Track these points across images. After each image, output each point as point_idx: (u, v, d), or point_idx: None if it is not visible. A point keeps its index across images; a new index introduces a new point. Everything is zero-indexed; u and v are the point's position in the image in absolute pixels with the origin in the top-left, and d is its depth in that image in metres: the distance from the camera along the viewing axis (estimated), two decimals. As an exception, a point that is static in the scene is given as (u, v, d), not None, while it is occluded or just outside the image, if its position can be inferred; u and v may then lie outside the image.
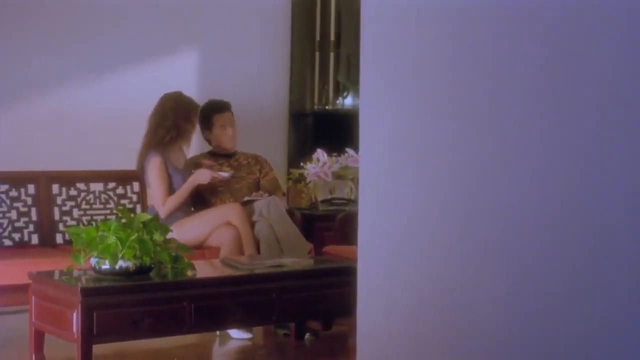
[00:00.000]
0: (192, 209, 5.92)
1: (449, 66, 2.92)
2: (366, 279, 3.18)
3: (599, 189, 2.51)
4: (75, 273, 4.58)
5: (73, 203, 5.90)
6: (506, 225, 2.77)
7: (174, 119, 5.75)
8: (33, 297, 4.56)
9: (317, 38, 7.27)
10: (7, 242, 5.66)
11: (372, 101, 3.16)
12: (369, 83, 3.17)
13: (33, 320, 4.57)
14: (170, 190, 5.75)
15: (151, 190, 5.78)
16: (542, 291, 2.68)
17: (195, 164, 5.99)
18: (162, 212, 5.62)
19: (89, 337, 4.27)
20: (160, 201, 5.70)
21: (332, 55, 7.28)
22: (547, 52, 2.61)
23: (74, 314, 4.26)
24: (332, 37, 7.27)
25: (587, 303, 2.56)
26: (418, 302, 3.03)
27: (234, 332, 5.28)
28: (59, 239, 5.79)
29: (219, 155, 6.11)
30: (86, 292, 4.28)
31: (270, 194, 6.04)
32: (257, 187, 6.14)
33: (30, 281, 4.62)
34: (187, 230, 5.58)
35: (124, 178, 6.06)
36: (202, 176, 5.75)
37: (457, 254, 2.91)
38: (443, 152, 2.94)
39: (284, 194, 6.34)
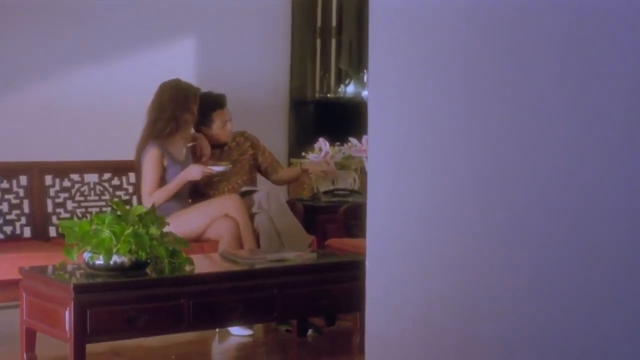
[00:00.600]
0: (190, 200, 5.76)
1: (465, 54, 2.80)
2: (375, 278, 3.06)
3: (620, 188, 2.40)
4: (68, 269, 4.45)
5: (67, 195, 5.76)
6: (524, 224, 2.66)
7: (172, 109, 5.61)
8: (24, 294, 4.43)
9: (318, 24, 7.20)
10: (-2, 236, 5.54)
11: (381, 89, 3.05)
12: (378, 70, 3.05)
13: (24, 317, 4.44)
14: (163, 183, 5.58)
15: (142, 180, 5.61)
16: (562, 293, 2.57)
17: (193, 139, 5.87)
18: (147, 203, 5.45)
19: (82, 336, 4.14)
20: (147, 191, 5.55)
21: (333, 41, 7.22)
22: (567, 47, 2.49)
23: (66, 312, 4.13)
24: (334, 23, 7.21)
25: (610, 305, 2.44)
26: (430, 302, 2.92)
27: (234, 329, 5.18)
28: (52, 232, 5.67)
29: (212, 147, 5.96)
30: (79, 289, 4.14)
31: (274, 173, 5.99)
32: (254, 165, 5.98)
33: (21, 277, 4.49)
34: (184, 223, 5.44)
35: (119, 169, 5.93)
36: (193, 172, 5.58)
37: (472, 252, 2.80)
38: (457, 144, 2.82)
39: (282, 167, 6.20)
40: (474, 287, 2.77)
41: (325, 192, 6.28)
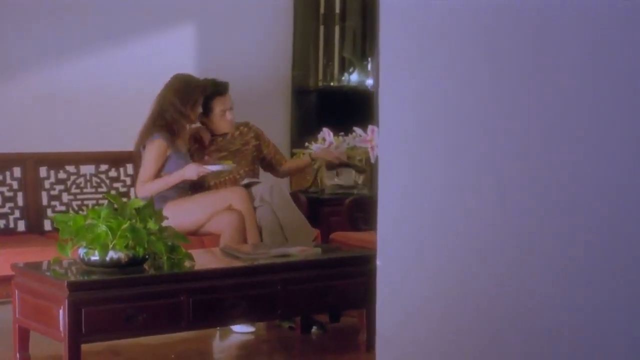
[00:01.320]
0: (189, 192, 5.59)
1: (488, 37, 2.65)
2: (387, 277, 2.91)
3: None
4: (63, 265, 4.32)
5: (62, 187, 5.63)
6: (547, 221, 2.52)
7: (171, 114, 5.44)
8: (17, 291, 4.31)
9: (322, 11, 7.06)
10: (-8, 229, 5.43)
11: (394, 73, 2.90)
12: (390, 51, 2.89)
13: (17, 316, 4.32)
14: (159, 175, 5.43)
15: (141, 167, 5.43)
16: (585, 292, 2.44)
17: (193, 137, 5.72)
18: (139, 191, 5.31)
19: (76, 336, 4.01)
20: (142, 179, 5.38)
21: (337, 29, 7.08)
22: (597, 41, 2.36)
23: (60, 311, 4.00)
24: (338, 10, 7.07)
25: (636, 307, 2.30)
26: (445, 302, 2.79)
27: (236, 326, 5.03)
28: (47, 225, 5.54)
29: (213, 135, 5.80)
30: (73, 287, 4.01)
31: (279, 165, 5.87)
32: (257, 157, 5.82)
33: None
34: (182, 214, 5.27)
35: (116, 160, 5.80)
36: (188, 171, 5.38)
37: (491, 250, 2.66)
38: (477, 134, 2.68)
39: (286, 160, 6.02)
40: (493, 287, 2.64)
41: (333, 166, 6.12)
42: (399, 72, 2.85)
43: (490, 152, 2.61)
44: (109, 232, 4.06)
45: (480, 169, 2.64)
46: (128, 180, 5.79)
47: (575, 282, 2.42)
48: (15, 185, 5.49)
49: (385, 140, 2.90)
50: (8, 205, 5.46)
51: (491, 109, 2.61)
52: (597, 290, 2.37)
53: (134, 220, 4.12)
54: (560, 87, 2.45)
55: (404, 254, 2.83)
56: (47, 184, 5.58)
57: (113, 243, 4.08)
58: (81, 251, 4.13)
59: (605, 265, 2.35)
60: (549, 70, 2.46)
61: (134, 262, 4.15)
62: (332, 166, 6.02)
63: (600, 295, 2.36)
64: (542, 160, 2.48)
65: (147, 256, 4.20)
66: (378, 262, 2.88)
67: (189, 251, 4.37)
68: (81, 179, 5.66)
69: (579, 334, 2.42)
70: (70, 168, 5.64)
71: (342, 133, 6.22)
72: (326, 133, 6.09)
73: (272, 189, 5.40)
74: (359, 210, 5.66)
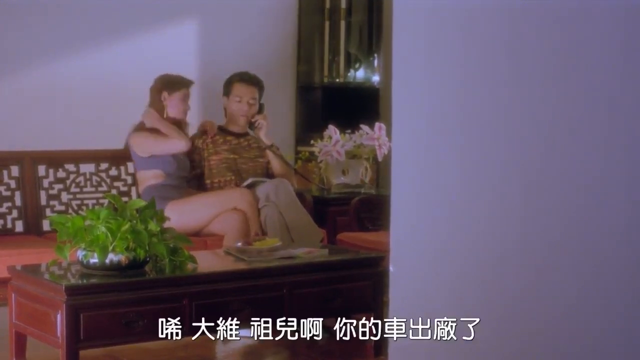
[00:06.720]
0: (193, 191, 5.53)
1: (502, 25, 2.53)
2: (401, 285, 2.82)
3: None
4: (61, 268, 4.22)
5: (61, 186, 5.54)
6: (580, 221, 2.42)
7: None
8: (13, 295, 4.20)
9: (327, 5, 7.03)
10: (-11, 230, 5.34)
11: (406, 68, 2.79)
12: (402, 46, 2.81)
13: (13, 320, 4.21)
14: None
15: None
16: (626, 302, 2.28)
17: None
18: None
19: (74, 342, 3.91)
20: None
21: (342, 24, 7.03)
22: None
23: (58, 316, 3.90)
24: (343, 5, 7.03)
25: None
26: (465, 313, 2.63)
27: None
28: (45, 225, 5.45)
29: (227, 132, 5.71)
30: (71, 291, 3.91)
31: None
32: (265, 171, 5.73)
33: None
34: (186, 213, 5.25)
35: (117, 158, 5.71)
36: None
37: (517, 254, 2.57)
38: (496, 129, 2.60)
39: (295, 171, 5.93)
40: (516, 295, 2.53)
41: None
42: (411, 68, 2.74)
43: (511, 150, 2.51)
44: (109, 234, 3.98)
45: (501, 168, 2.53)
46: (129, 179, 5.70)
47: (605, 289, 2.30)
48: (12, 184, 5.40)
49: (398, 139, 2.78)
50: (5, 205, 5.37)
51: (512, 105, 2.49)
52: (628, 296, 2.25)
53: (134, 222, 4.03)
54: (585, 83, 2.33)
55: (419, 260, 2.72)
56: (45, 183, 5.50)
57: (113, 245, 3.99)
58: (80, 253, 4.04)
59: (636, 270, 2.23)
60: (571, 67, 2.35)
61: (135, 265, 4.06)
62: None
63: (630, 301, 2.25)
64: (567, 158, 2.38)
65: (148, 258, 4.11)
66: (391, 269, 2.76)
67: (192, 253, 4.27)
68: (81, 178, 5.58)
69: (610, 344, 2.30)
70: (70, 166, 5.56)
71: (349, 130, 6.13)
72: (332, 130, 6.00)
73: (277, 188, 5.34)
74: (366, 210, 5.59)
